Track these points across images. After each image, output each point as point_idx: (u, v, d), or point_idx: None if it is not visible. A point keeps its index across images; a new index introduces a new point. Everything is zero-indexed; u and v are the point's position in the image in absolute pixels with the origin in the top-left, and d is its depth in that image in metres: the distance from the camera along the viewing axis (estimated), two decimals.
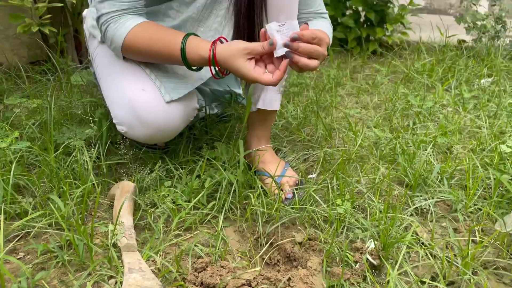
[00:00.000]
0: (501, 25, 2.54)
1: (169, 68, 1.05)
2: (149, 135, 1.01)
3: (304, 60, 0.87)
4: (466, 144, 1.39)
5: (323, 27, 1.11)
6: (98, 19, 0.98)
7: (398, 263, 0.77)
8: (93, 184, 1.03)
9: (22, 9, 1.74)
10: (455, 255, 0.89)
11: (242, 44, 0.89)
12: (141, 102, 0.97)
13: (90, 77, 1.65)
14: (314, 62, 0.88)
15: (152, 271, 0.83)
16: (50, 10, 1.76)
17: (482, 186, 1.13)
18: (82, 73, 1.66)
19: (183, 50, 0.93)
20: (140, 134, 1.00)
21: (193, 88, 1.05)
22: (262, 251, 0.91)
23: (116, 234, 0.89)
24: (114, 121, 1.02)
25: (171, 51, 0.94)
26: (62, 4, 1.73)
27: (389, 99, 1.79)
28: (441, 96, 1.80)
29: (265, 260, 0.89)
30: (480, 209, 1.06)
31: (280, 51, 0.88)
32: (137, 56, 1.00)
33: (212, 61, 0.91)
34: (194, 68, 0.98)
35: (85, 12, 1.27)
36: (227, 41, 0.97)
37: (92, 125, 1.26)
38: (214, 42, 0.92)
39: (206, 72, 1.06)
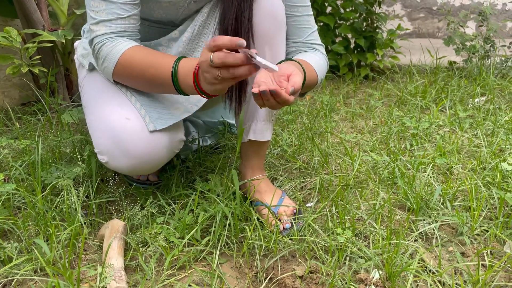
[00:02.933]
0: (489, 45, 2.57)
1: (156, 98, 1.03)
2: (131, 166, 0.97)
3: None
4: (466, 163, 1.35)
5: (312, 59, 1.08)
6: (91, 40, 0.96)
7: None
8: (82, 224, 0.98)
9: (11, 50, 1.73)
10: (465, 281, 0.84)
11: None
12: (124, 131, 0.94)
13: (80, 114, 1.63)
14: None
15: None
16: (40, 50, 1.76)
17: (486, 206, 1.09)
18: (73, 111, 1.64)
19: (174, 76, 0.90)
20: (122, 164, 0.96)
21: (180, 120, 1.02)
22: (262, 287, 0.86)
23: (106, 277, 0.84)
24: (95, 150, 0.99)
25: (164, 75, 0.92)
26: (52, 44, 1.73)
27: (384, 122, 1.77)
28: (436, 117, 1.78)
29: None
30: (487, 231, 1.01)
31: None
32: (128, 78, 0.97)
33: (199, 89, 0.88)
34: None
35: (76, 43, 1.26)
36: None
37: (81, 163, 1.22)
38: (196, 70, 0.87)
39: (193, 105, 1.04)
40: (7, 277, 0.86)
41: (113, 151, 0.95)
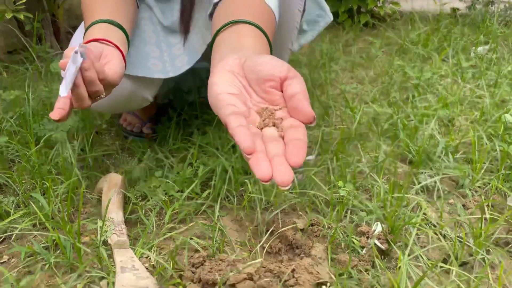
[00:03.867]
0: None
1: (143, 41, 0.96)
2: None
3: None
4: (468, 115, 1.33)
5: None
6: None
7: (409, 247, 0.72)
8: (79, 178, 0.96)
9: None
10: (466, 234, 0.84)
11: None
12: None
13: None
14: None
15: (147, 268, 0.78)
16: None
17: (488, 158, 1.08)
18: None
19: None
20: None
21: (151, 77, 0.94)
22: (263, 240, 0.86)
23: (106, 231, 0.84)
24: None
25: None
26: None
27: (385, 72, 1.72)
28: (438, 67, 1.74)
29: (265, 249, 0.84)
30: (488, 183, 1.01)
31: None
32: None
33: None
34: None
35: None
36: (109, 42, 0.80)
37: (73, 115, 1.18)
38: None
39: (174, 69, 0.95)
40: (5, 232, 0.85)
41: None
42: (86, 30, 0.82)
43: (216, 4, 0.77)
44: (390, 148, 1.10)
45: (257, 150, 0.45)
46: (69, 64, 0.65)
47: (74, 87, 0.68)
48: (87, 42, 0.78)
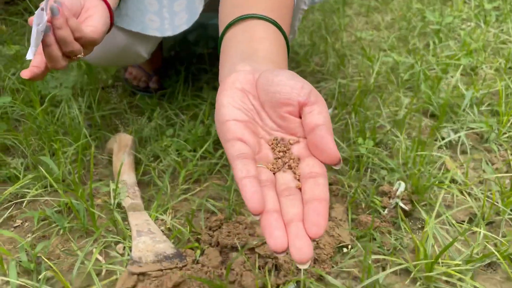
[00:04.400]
0: None
1: None
2: None
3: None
4: (492, 63, 1.26)
5: None
6: None
7: (436, 209, 0.69)
8: (88, 140, 0.93)
9: None
10: (489, 191, 0.81)
11: None
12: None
13: None
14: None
15: (163, 231, 0.76)
16: None
17: None
18: None
19: None
20: None
21: (147, 33, 0.86)
22: None
23: (119, 194, 0.81)
24: None
25: None
26: None
27: (403, 16, 1.62)
28: (459, 9, 1.63)
29: None
30: None
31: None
32: None
33: None
34: None
35: None
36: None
37: (77, 69, 1.13)
38: None
39: (173, 28, 0.87)
40: (17, 196, 0.83)
41: None
42: None
43: None
44: (411, 101, 1.05)
45: (268, 210, 0.38)
46: (33, 23, 0.59)
47: (45, 47, 0.62)
48: None
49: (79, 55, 0.67)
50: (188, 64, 1.25)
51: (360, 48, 1.37)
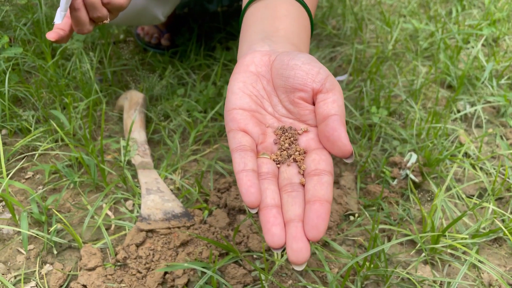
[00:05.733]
0: None
1: None
2: None
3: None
4: None
5: None
6: None
7: (446, 183, 0.69)
8: (99, 94, 0.92)
9: None
10: (502, 167, 0.80)
11: None
12: None
13: None
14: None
15: (172, 191, 0.77)
16: None
17: None
18: None
19: None
20: None
21: None
22: None
23: (129, 151, 0.82)
24: None
25: None
26: None
27: None
28: None
29: None
30: None
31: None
32: None
33: None
34: None
35: None
36: None
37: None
38: None
39: None
40: (28, 148, 0.84)
41: None
42: None
43: None
44: (429, 71, 1.02)
45: (267, 205, 0.37)
46: None
47: (73, 11, 0.61)
48: None
49: (105, 21, 0.66)
50: (201, 22, 1.22)
51: (379, 12, 1.32)
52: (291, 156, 0.41)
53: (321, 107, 0.40)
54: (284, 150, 0.41)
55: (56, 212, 0.68)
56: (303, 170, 0.40)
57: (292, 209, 0.37)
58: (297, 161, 0.40)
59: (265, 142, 0.42)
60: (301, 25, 0.51)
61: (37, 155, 0.82)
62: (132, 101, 0.90)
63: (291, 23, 0.50)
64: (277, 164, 0.41)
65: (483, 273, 0.64)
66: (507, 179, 0.75)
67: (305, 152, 0.41)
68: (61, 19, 0.59)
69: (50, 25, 1.12)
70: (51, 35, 0.61)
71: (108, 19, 0.66)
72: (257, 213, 0.37)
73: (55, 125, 0.79)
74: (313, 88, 0.41)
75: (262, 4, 0.52)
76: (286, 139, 0.42)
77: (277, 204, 0.37)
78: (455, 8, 1.34)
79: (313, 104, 0.42)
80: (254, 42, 0.47)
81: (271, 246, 0.35)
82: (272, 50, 0.45)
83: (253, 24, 0.50)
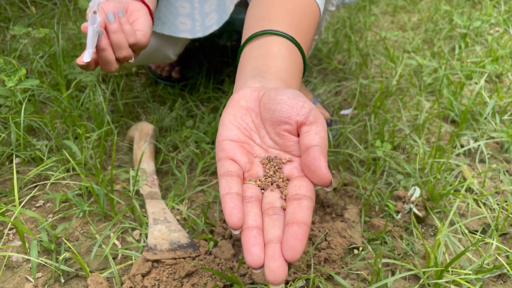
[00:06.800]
0: None
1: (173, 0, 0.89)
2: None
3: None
4: None
5: None
6: None
7: (450, 218, 0.70)
8: (111, 125, 0.95)
9: None
10: (505, 202, 0.81)
11: None
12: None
13: None
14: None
15: (178, 221, 0.78)
16: None
17: None
18: None
19: None
20: None
21: (177, 35, 0.87)
22: None
23: (138, 181, 0.84)
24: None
25: None
26: None
27: (430, 18, 1.60)
28: (489, 14, 1.60)
29: None
30: None
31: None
32: None
33: None
34: None
35: None
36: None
37: None
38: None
39: (203, 29, 0.88)
40: (40, 177, 0.86)
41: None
42: None
43: None
44: (433, 106, 1.04)
45: (249, 226, 0.39)
46: (88, 25, 0.61)
47: (100, 51, 0.64)
48: None
49: (130, 60, 0.68)
50: (210, 56, 1.27)
51: (384, 48, 1.36)
52: (274, 182, 0.43)
53: (304, 138, 0.42)
54: (269, 177, 0.44)
55: (66, 241, 0.70)
56: (285, 195, 0.42)
57: (272, 231, 0.39)
58: (280, 187, 0.43)
59: (252, 170, 0.45)
60: (292, 61, 0.54)
61: (49, 184, 0.84)
62: (142, 132, 0.92)
63: (281, 61, 0.53)
64: (261, 189, 0.43)
65: None
66: (510, 215, 0.76)
67: (288, 179, 0.43)
68: (89, 58, 0.62)
69: (66, 57, 1.17)
70: (80, 61, 0.63)
71: (133, 59, 0.69)
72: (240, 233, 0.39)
73: (67, 154, 0.82)
74: (297, 121, 0.43)
75: (256, 44, 0.55)
76: (271, 168, 0.44)
77: (258, 226, 0.39)
78: (458, 45, 1.38)
79: (298, 135, 0.44)
80: (247, 79, 0.50)
81: (250, 265, 0.37)
82: (262, 86, 0.49)
83: (247, 62, 0.54)
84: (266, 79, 0.50)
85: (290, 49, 0.55)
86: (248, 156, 0.45)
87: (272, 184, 0.43)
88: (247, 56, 0.55)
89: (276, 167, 0.44)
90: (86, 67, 0.66)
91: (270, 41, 0.54)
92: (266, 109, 0.45)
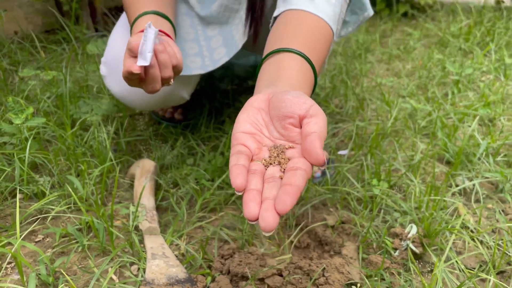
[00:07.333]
0: None
1: (179, 39, 0.94)
2: (122, 96, 0.96)
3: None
4: (510, 115, 1.27)
5: (308, 6, 0.70)
6: None
7: (446, 253, 0.70)
8: (113, 163, 0.97)
9: None
10: (501, 240, 0.81)
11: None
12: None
13: (105, 46, 1.57)
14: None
15: (176, 256, 0.78)
16: None
17: None
18: (98, 42, 1.58)
19: (131, 28, 0.80)
20: (114, 89, 0.96)
21: (190, 74, 0.92)
22: (292, 235, 0.85)
23: (138, 217, 0.84)
24: (102, 59, 0.97)
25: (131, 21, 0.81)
26: None
27: (424, 65, 1.66)
28: (480, 62, 1.67)
29: (294, 243, 0.83)
30: None
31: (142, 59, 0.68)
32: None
33: None
34: None
35: None
36: (166, 35, 0.79)
37: (108, 97, 1.19)
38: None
39: (213, 63, 0.93)
40: (41, 212, 0.87)
41: (112, 68, 0.93)
42: (133, 22, 0.80)
43: (275, 18, 0.74)
44: (427, 147, 1.07)
45: (250, 189, 0.45)
46: (145, 33, 0.66)
47: (150, 68, 0.68)
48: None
49: (170, 82, 0.73)
50: (212, 99, 1.31)
51: (380, 93, 1.41)
52: (277, 160, 0.50)
53: (305, 128, 0.48)
54: (273, 157, 0.50)
55: (64, 273, 0.70)
56: (283, 169, 0.48)
57: (269, 192, 0.45)
58: (281, 164, 0.49)
59: (259, 154, 0.51)
60: (302, 73, 0.61)
61: (49, 218, 0.85)
62: (144, 169, 0.94)
63: (292, 72, 0.60)
64: (265, 166, 0.50)
65: None
66: (506, 252, 0.76)
67: (289, 159, 0.49)
68: (149, 60, 0.66)
69: (72, 98, 1.21)
70: (135, 67, 0.67)
71: (172, 81, 0.74)
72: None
73: (70, 188, 0.84)
74: (299, 115, 0.50)
75: (271, 60, 0.63)
76: (275, 151, 0.51)
77: (258, 189, 0.46)
78: (451, 91, 1.43)
79: (301, 128, 0.51)
80: (262, 88, 0.58)
81: (247, 217, 0.43)
82: (273, 91, 0.55)
83: (263, 76, 0.62)
84: (277, 86, 0.57)
85: (301, 63, 0.62)
86: (258, 144, 0.52)
87: (274, 162, 0.50)
88: (263, 71, 0.63)
89: (280, 151, 0.50)
90: (131, 76, 0.68)
91: (283, 57, 0.62)
92: (274, 107, 0.52)
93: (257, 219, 0.43)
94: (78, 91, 1.29)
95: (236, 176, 0.45)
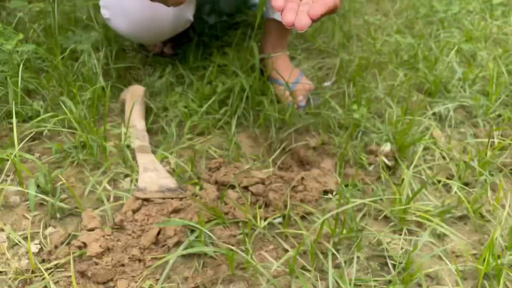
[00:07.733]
0: None
1: None
2: (131, 31, 0.96)
3: None
4: (491, 51, 1.31)
5: None
6: None
7: (414, 163, 0.76)
8: (103, 88, 1.01)
9: None
10: (472, 158, 0.87)
11: None
12: None
13: None
14: None
15: (167, 171, 0.84)
16: None
17: (505, 93, 1.09)
18: None
19: None
20: (121, 26, 0.96)
21: None
22: (275, 155, 0.91)
23: (129, 136, 0.89)
24: (100, 3, 0.97)
25: None
26: None
27: (412, 5, 1.68)
28: (467, 1, 1.68)
29: (277, 164, 0.89)
30: (501, 116, 1.02)
31: None
32: None
33: None
34: None
35: None
36: None
37: (98, 28, 1.20)
38: None
39: None
40: (37, 128, 0.91)
41: (115, 9, 0.93)
42: None
43: None
44: (407, 77, 1.11)
45: (288, 8, 0.55)
46: None
47: None
48: None
49: None
50: (200, 34, 1.32)
51: (367, 30, 1.43)
52: None
53: None
54: None
55: (62, 178, 0.75)
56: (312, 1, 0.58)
57: (302, 7, 0.55)
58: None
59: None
60: None
61: (45, 133, 0.89)
62: (133, 94, 0.98)
63: None
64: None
65: (447, 244, 0.70)
66: (471, 163, 0.82)
67: None
68: None
69: (61, 29, 1.22)
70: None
71: None
72: None
73: (64, 108, 0.87)
74: None
75: None
76: None
77: (294, 8, 0.55)
78: (436, 28, 1.45)
79: None
80: None
81: (285, 22, 0.53)
82: None
83: None
84: None
85: None
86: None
87: None
88: None
89: None
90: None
91: None
92: None
93: (293, 25, 0.52)
94: (66, 23, 1.30)
95: (277, 1, 0.55)
